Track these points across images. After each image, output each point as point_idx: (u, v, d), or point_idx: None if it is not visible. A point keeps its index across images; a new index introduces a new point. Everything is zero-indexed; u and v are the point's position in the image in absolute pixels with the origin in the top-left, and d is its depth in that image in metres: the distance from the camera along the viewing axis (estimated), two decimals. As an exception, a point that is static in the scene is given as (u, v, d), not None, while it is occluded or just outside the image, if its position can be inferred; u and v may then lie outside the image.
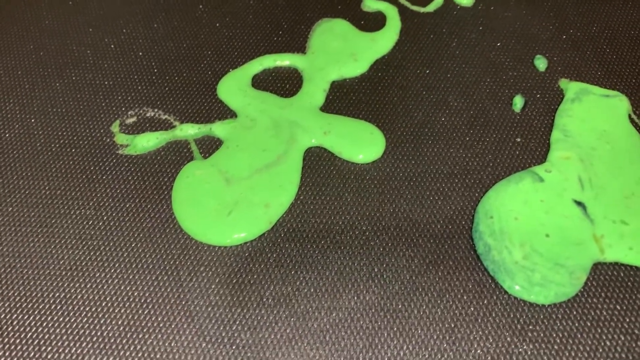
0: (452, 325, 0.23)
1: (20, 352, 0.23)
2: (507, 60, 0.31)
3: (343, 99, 0.30)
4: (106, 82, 0.31)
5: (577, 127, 0.28)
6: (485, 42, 0.32)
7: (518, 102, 0.29)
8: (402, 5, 0.34)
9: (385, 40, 0.32)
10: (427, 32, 0.33)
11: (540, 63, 0.31)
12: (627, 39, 0.32)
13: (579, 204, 0.25)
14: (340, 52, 0.31)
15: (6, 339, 0.23)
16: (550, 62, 0.31)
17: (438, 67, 0.31)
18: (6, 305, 0.24)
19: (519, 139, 0.28)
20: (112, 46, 0.33)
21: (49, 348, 0.23)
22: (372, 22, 0.33)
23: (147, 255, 0.25)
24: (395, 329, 0.23)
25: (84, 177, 0.28)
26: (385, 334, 0.23)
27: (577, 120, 0.28)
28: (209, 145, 0.28)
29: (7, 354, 0.23)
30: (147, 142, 0.28)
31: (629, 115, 0.29)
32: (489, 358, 0.22)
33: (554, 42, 0.32)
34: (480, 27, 0.33)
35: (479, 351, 0.22)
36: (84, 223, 0.26)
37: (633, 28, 0.33)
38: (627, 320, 0.23)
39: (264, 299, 0.24)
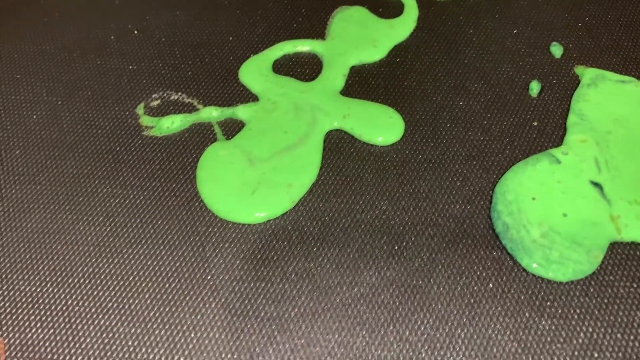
0: (472, 301, 0.23)
1: (51, 324, 0.23)
2: (523, 47, 0.32)
3: (362, 83, 0.31)
4: (130, 67, 0.32)
5: (593, 112, 0.28)
6: (501, 29, 0.33)
7: (534, 87, 0.30)
8: (420, -7, 0.35)
9: (403, 27, 0.33)
10: (445, 19, 0.33)
11: (556, 50, 0.31)
12: (642, 27, 0.32)
13: (596, 184, 0.26)
14: (360, 38, 0.32)
15: (37, 311, 0.24)
16: (566, 49, 0.31)
17: (455, 54, 0.32)
18: (37, 278, 0.25)
19: (535, 123, 0.29)
20: (136, 32, 0.33)
21: (78, 320, 0.24)
22: (390, 10, 0.34)
23: (173, 232, 0.26)
24: (415, 304, 0.23)
25: (110, 157, 0.28)
26: (407, 309, 0.23)
27: (593, 104, 0.28)
28: (232, 128, 0.29)
29: (38, 324, 0.23)
30: (172, 123, 0.29)
31: (645, 101, 0.29)
32: (508, 332, 0.23)
33: (570, 29, 0.32)
34: (496, 14, 0.33)
35: (498, 326, 0.23)
36: (111, 201, 0.27)
37: (648, 16, 0.33)
38: (643, 297, 0.23)
39: (287, 274, 0.24)
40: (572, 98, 0.29)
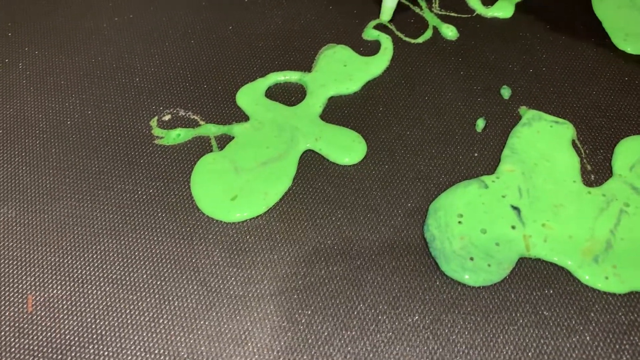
0: (398, 294, 0.29)
1: (68, 287, 0.30)
2: (478, 88, 0.37)
3: (337, 111, 0.37)
4: (149, 86, 0.39)
5: (524, 147, 0.33)
6: (461, 71, 0.38)
7: (480, 123, 0.35)
8: (397, 36, 0.41)
9: (377, 65, 0.38)
10: (414, 59, 0.39)
11: (505, 92, 0.37)
12: (583, 78, 0.37)
13: (515, 208, 0.31)
14: (339, 73, 0.38)
15: (58, 275, 0.30)
16: (514, 91, 0.37)
17: (419, 90, 0.37)
18: (60, 251, 0.31)
19: (476, 154, 0.34)
20: (157, 56, 0.40)
21: (88, 285, 0.30)
22: (371, 49, 0.40)
23: (169, 223, 0.32)
24: (353, 293, 0.29)
25: (126, 159, 0.35)
26: (345, 297, 0.29)
27: (524, 140, 0.34)
28: (226, 142, 0.35)
29: (58, 286, 0.30)
30: (178, 136, 0.36)
31: (573, 140, 0.34)
32: (424, 322, 0.28)
33: (521, 74, 0.38)
34: (459, 58, 0.39)
35: (416, 317, 0.28)
36: (123, 195, 0.33)
37: (589, 70, 0.38)
38: (539, 306, 0.29)
39: (255, 263, 0.30)
40: (509, 134, 0.35)
